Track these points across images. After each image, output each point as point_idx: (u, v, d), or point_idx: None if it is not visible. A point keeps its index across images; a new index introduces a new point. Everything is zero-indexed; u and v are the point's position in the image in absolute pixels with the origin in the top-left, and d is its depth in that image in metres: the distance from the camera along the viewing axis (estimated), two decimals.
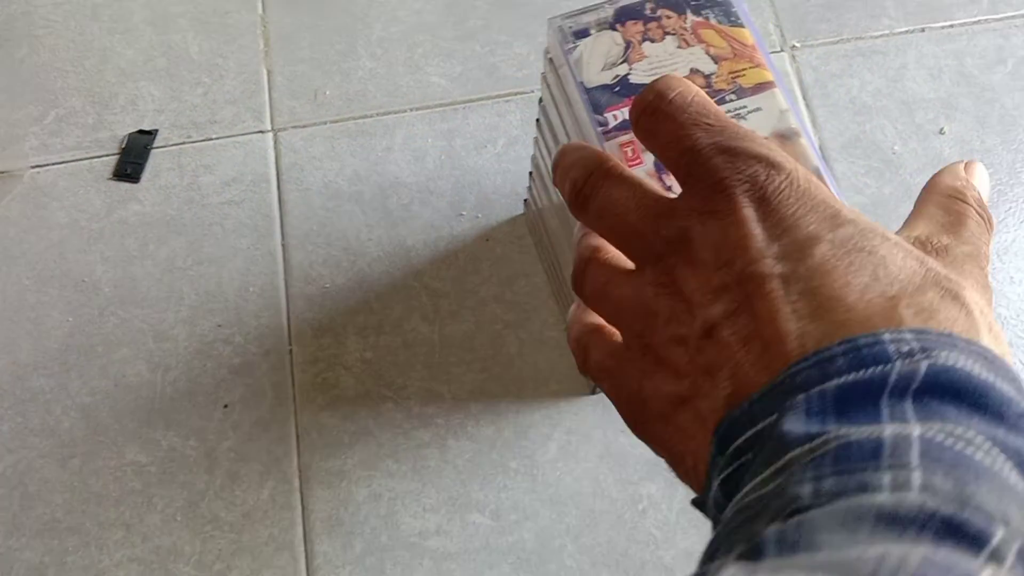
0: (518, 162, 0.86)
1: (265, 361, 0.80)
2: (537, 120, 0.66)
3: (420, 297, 0.82)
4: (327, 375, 0.79)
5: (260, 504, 0.76)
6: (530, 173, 0.76)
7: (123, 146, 0.87)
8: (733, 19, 0.42)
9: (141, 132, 0.87)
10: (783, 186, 0.23)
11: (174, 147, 0.87)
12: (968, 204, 0.26)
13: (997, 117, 0.90)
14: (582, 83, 0.43)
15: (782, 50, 0.92)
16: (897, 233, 0.25)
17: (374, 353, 0.80)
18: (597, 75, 0.43)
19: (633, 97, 0.33)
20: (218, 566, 0.74)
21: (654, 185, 0.26)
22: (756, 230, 0.23)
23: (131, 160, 0.86)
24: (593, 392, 0.78)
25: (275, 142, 0.88)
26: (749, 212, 0.23)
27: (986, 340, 0.21)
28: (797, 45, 0.92)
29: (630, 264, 0.26)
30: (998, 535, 0.16)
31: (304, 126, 0.88)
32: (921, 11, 0.94)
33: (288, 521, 0.75)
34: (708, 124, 0.24)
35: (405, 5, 0.93)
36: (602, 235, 0.27)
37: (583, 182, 0.26)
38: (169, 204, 0.85)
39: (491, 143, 0.87)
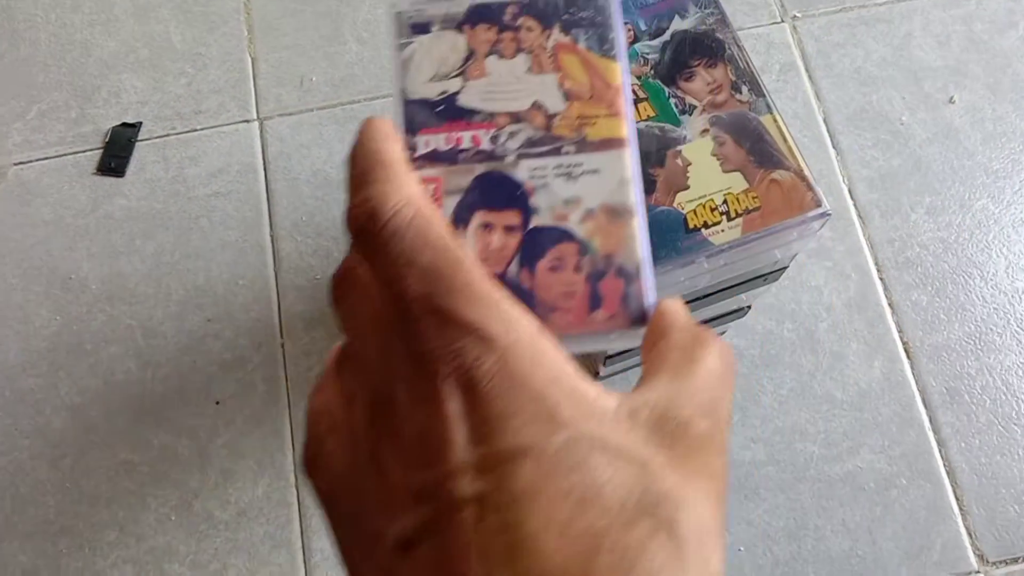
0: None
1: (256, 355, 0.78)
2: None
3: None
4: (320, 369, 0.77)
5: (255, 501, 0.74)
6: None
7: (107, 140, 0.85)
8: (606, 48, 0.34)
9: (125, 125, 0.85)
10: (493, 371, 0.20)
11: (159, 139, 0.85)
12: (710, 346, 0.23)
13: (1009, 83, 0.86)
14: (403, 91, 0.34)
15: (783, 21, 0.89)
16: (635, 389, 0.22)
17: None
18: (423, 85, 0.33)
19: (453, 123, 0.29)
20: (214, 565, 0.72)
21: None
22: (458, 433, 0.20)
23: (115, 154, 0.84)
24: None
25: (261, 131, 0.85)
26: (452, 406, 0.20)
27: None
28: (798, 15, 0.89)
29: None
30: None
31: (290, 114, 0.86)
32: None
33: (284, 518, 0.73)
34: (423, 264, 0.20)
35: None
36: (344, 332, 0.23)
37: (339, 277, 0.23)
38: (155, 198, 0.83)
39: None
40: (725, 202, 0.51)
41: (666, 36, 0.57)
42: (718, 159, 0.53)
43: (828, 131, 0.84)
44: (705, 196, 0.52)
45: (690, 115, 0.54)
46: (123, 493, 0.74)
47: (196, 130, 0.85)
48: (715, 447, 0.21)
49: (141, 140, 0.85)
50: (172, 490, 0.74)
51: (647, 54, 0.56)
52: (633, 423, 0.21)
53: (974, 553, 0.71)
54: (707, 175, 0.52)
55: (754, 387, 0.76)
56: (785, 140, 0.54)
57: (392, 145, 0.23)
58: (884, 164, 0.83)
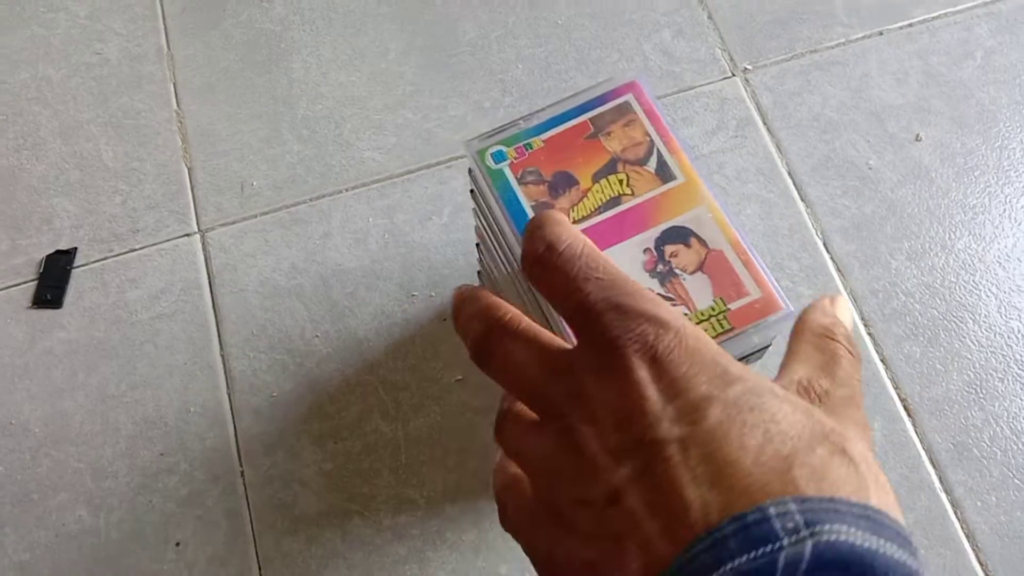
0: (468, 231, 0.80)
1: (215, 488, 0.72)
2: (471, 190, 0.60)
3: (378, 393, 0.75)
4: (284, 495, 0.72)
5: None
6: (476, 244, 0.69)
7: (41, 270, 0.80)
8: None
9: (59, 252, 0.81)
10: (672, 345, 0.23)
11: (96, 264, 0.80)
12: (839, 343, 0.27)
13: (974, 114, 0.83)
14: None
15: (734, 75, 0.86)
16: (778, 376, 0.27)
17: (333, 463, 0.72)
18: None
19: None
20: None
21: (551, 338, 0.26)
22: (651, 392, 0.23)
23: (51, 284, 0.79)
24: None
25: (203, 244, 0.81)
26: (643, 374, 0.23)
27: (874, 496, 0.22)
28: (749, 67, 0.86)
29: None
30: None
31: (233, 222, 0.82)
32: (875, 14, 0.88)
33: None
34: (599, 278, 0.24)
35: (327, 79, 0.87)
36: (506, 389, 0.27)
37: (482, 339, 0.27)
38: (95, 327, 0.78)
39: (436, 214, 0.81)
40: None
41: None
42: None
43: (794, 184, 0.81)
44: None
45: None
46: None
47: (135, 250, 0.81)
48: (854, 406, 0.26)
49: (77, 266, 0.80)
50: None
51: None
52: (784, 385, 0.25)
53: None
54: None
55: None
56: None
57: (559, 214, 0.27)
58: (857, 212, 0.80)
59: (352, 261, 0.79)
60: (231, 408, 0.75)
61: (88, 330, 0.78)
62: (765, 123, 0.83)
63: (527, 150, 0.51)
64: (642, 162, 0.51)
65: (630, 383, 0.23)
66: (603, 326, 0.24)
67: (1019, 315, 0.75)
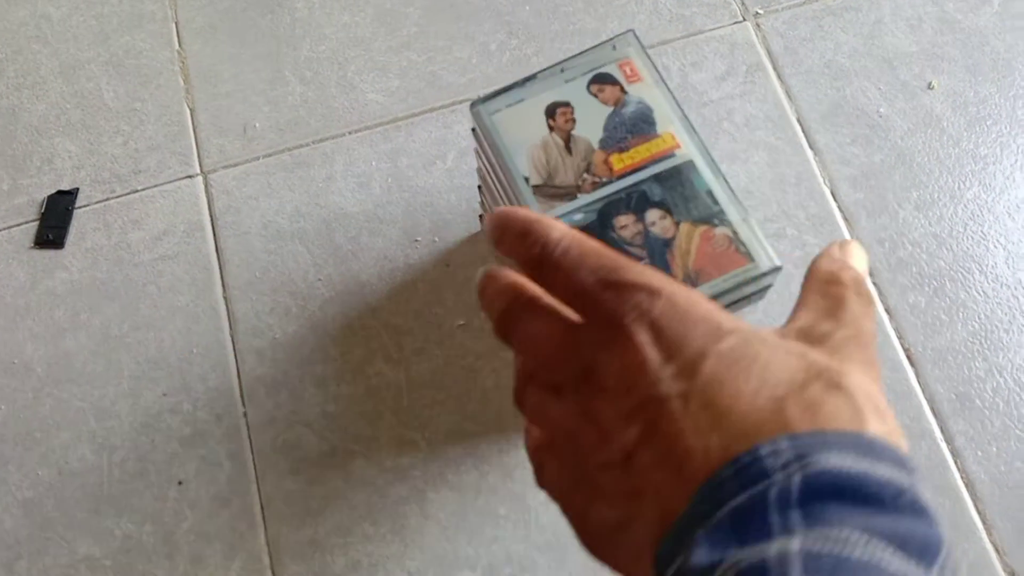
0: (472, 176, 0.79)
1: (218, 428, 0.72)
2: (473, 129, 0.59)
3: (380, 337, 0.74)
4: (287, 436, 0.72)
5: None
6: (479, 187, 0.69)
7: (43, 210, 0.80)
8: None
9: (60, 193, 0.80)
10: (665, 308, 0.25)
11: (98, 205, 0.80)
12: (845, 286, 0.28)
13: (989, 62, 0.82)
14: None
15: (744, 19, 0.84)
16: (785, 325, 0.27)
17: (336, 405, 0.73)
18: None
19: None
20: None
21: (569, 316, 0.27)
22: (651, 354, 0.24)
23: (52, 225, 0.79)
24: None
25: (206, 186, 0.80)
26: (643, 337, 0.25)
27: (872, 423, 0.23)
28: (760, 12, 0.84)
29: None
30: None
31: (235, 164, 0.81)
32: None
33: None
34: (590, 264, 0.26)
35: (331, 20, 0.86)
36: (528, 361, 0.28)
37: (504, 313, 0.28)
38: (98, 268, 0.78)
39: (440, 158, 0.80)
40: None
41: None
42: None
43: (803, 131, 0.80)
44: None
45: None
46: None
47: (137, 191, 0.80)
48: (861, 342, 0.26)
49: (79, 207, 0.80)
50: None
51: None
52: (784, 333, 0.26)
53: (1004, 570, 0.66)
54: None
55: None
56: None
57: (529, 211, 0.29)
58: (865, 160, 0.79)
59: (355, 205, 0.79)
60: (234, 349, 0.75)
61: (90, 271, 0.78)
62: (775, 69, 0.82)
63: None
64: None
65: (632, 349, 0.25)
66: (602, 305, 0.26)
67: None
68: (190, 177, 0.81)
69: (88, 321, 0.76)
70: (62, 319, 0.76)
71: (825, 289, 0.28)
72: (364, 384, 0.73)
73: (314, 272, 0.77)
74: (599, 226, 0.44)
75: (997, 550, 0.67)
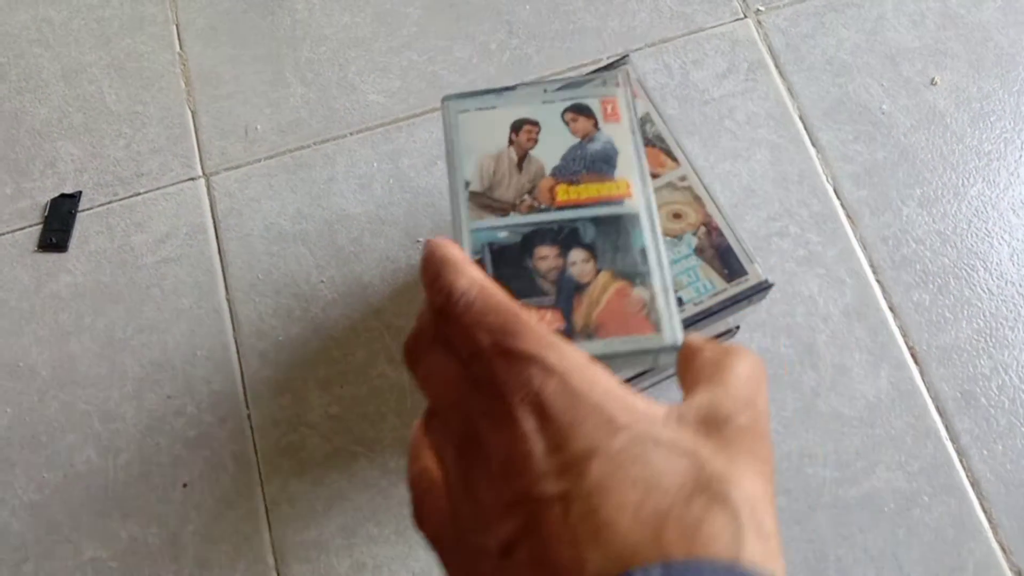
0: None
1: (222, 430, 0.73)
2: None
3: (383, 338, 0.75)
4: (291, 437, 0.72)
5: None
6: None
7: (46, 214, 0.80)
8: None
9: (64, 196, 0.80)
10: (557, 390, 0.24)
11: (101, 208, 0.80)
12: (724, 349, 0.27)
13: (992, 58, 0.81)
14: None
15: (745, 16, 0.84)
16: (683, 401, 0.26)
17: (340, 406, 0.73)
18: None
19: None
20: None
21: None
22: (536, 446, 0.23)
23: (56, 228, 0.79)
24: None
25: (208, 188, 0.80)
26: (529, 424, 0.24)
27: (750, 546, 0.22)
28: (761, 9, 0.84)
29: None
30: None
31: (237, 166, 0.81)
32: None
33: None
34: (489, 322, 0.25)
35: (331, 21, 0.86)
36: (426, 396, 0.27)
37: (414, 339, 0.27)
38: (101, 271, 0.78)
39: (441, 159, 0.80)
40: None
41: None
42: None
43: (805, 128, 0.79)
44: None
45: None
46: None
47: (139, 194, 0.80)
48: (757, 434, 0.25)
49: (82, 210, 0.80)
50: None
51: None
52: (680, 423, 0.25)
53: (1010, 569, 0.66)
54: None
55: None
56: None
57: (452, 248, 0.28)
58: (868, 158, 0.78)
59: (357, 206, 0.79)
60: (238, 352, 0.75)
61: (94, 274, 0.78)
62: (777, 66, 0.82)
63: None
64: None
65: (517, 435, 0.23)
66: (491, 374, 0.24)
67: None
68: (192, 179, 0.81)
69: (92, 324, 0.76)
70: (66, 322, 0.77)
71: (718, 362, 0.27)
72: (367, 385, 0.73)
73: (317, 274, 0.77)
74: (519, 250, 0.43)
75: (1003, 549, 0.67)
